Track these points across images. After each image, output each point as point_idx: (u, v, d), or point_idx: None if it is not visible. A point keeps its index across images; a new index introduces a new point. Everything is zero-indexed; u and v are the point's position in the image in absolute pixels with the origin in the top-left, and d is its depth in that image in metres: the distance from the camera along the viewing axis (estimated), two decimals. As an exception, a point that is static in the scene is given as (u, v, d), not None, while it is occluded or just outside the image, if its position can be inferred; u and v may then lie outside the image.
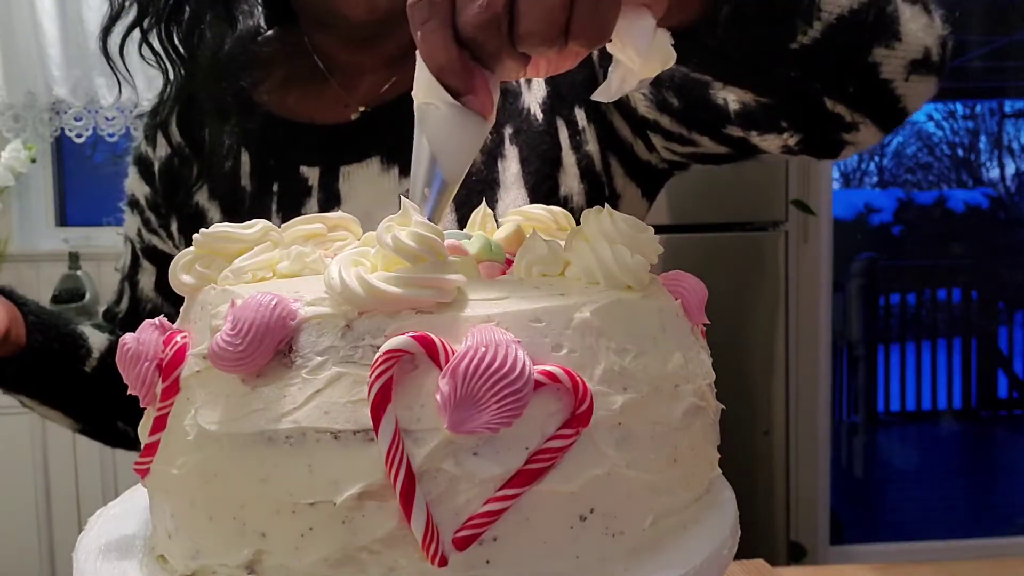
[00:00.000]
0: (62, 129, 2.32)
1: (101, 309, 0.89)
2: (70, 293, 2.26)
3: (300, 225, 0.48)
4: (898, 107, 0.58)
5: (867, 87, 0.56)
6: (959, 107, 3.71)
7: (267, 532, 0.35)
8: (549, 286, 0.39)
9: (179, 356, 0.38)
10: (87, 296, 2.28)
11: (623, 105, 0.73)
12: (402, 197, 0.39)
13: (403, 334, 0.34)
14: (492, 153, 0.74)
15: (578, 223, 0.44)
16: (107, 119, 2.31)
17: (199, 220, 0.79)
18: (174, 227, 0.82)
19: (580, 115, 0.75)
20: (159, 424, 0.39)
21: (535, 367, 0.34)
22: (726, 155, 0.71)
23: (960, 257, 3.58)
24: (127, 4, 0.77)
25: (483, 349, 0.33)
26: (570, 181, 0.75)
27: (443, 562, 0.33)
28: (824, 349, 2.27)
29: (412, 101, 0.43)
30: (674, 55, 0.44)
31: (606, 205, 0.43)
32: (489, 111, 0.41)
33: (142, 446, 0.40)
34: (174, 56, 0.78)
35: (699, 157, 0.75)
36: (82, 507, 1.85)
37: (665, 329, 0.40)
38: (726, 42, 0.50)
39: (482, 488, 0.34)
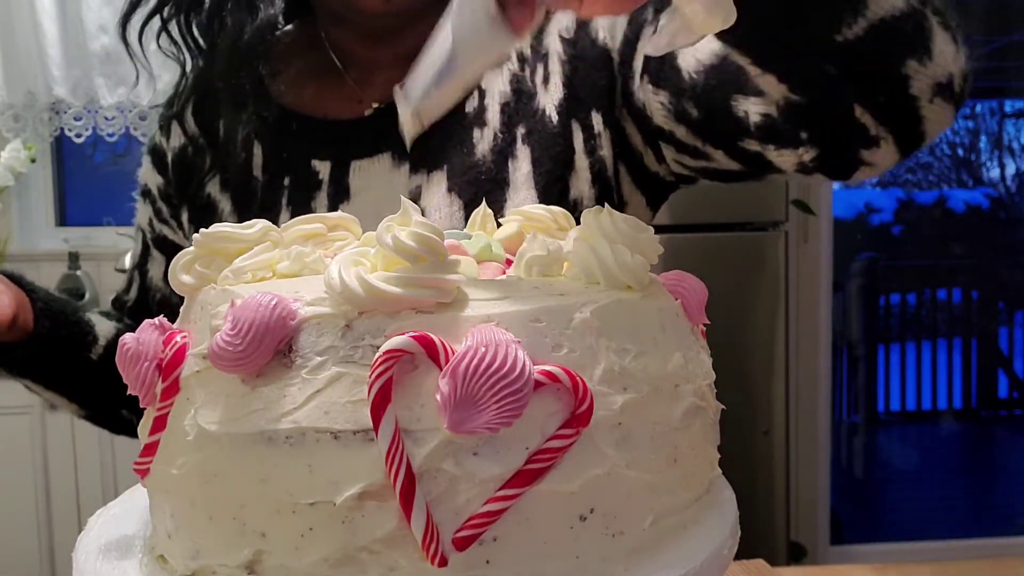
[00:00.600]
0: (62, 129, 2.32)
1: (100, 309, 0.89)
2: (70, 293, 2.26)
3: (300, 225, 0.48)
4: (919, 128, 0.59)
5: (896, 100, 0.57)
6: (959, 107, 3.71)
7: (267, 532, 0.35)
8: (549, 286, 0.39)
9: (179, 356, 0.38)
10: (87, 296, 2.28)
11: (638, 112, 0.73)
12: (402, 197, 0.39)
13: (403, 334, 0.34)
14: (503, 152, 0.74)
15: (578, 223, 0.44)
16: (107, 119, 2.31)
17: (210, 211, 0.79)
18: (185, 217, 0.82)
19: (597, 119, 0.75)
20: (159, 424, 0.39)
21: (535, 367, 0.34)
22: (737, 172, 0.71)
23: (960, 257, 3.58)
24: None
25: (483, 349, 0.33)
26: (581, 185, 0.75)
27: (443, 562, 0.33)
28: (824, 349, 2.27)
29: None
30: (735, 14, 0.43)
31: (606, 205, 0.43)
32: (523, 30, 0.41)
33: (142, 445, 0.40)
34: (193, 45, 0.79)
35: (709, 172, 0.74)
36: (82, 507, 1.85)
37: (665, 329, 0.40)
38: (775, 20, 0.51)
39: (482, 488, 0.34)
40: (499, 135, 0.74)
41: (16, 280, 0.72)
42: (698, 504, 0.42)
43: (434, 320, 0.35)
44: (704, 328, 0.46)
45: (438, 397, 0.33)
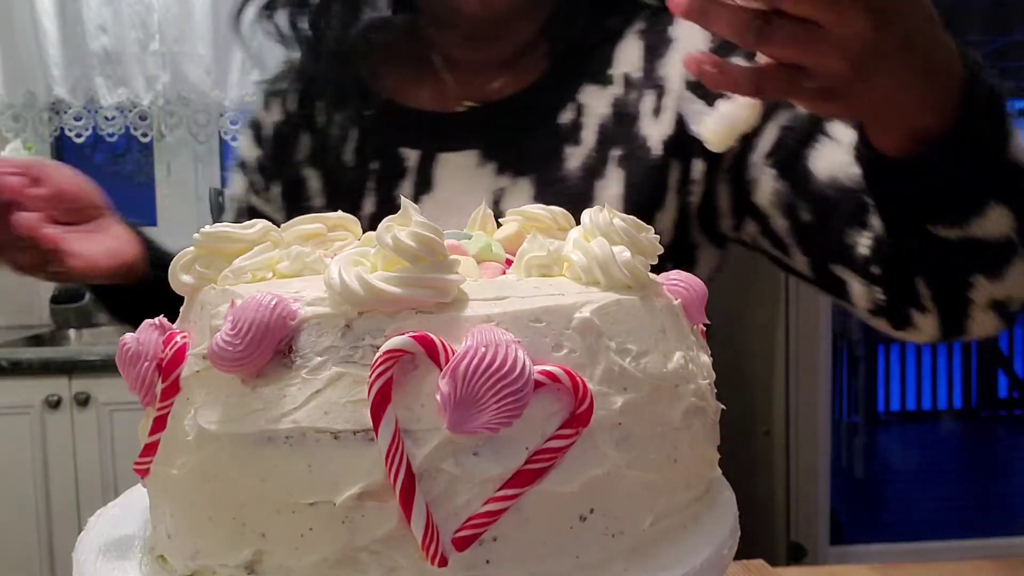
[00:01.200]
0: (62, 129, 2.32)
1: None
2: (70, 293, 2.26)
3: (300, 225, 0.48)
4: (965, 324, 0.61)
5: (954, 294, 0.60)
6: (959, 107, 3.70)
7: (267, 532, 0.35)
8: (549, 286, 0.39)
9: (179, 356, 0.38)
10: (87, 296, 2.27)
11: (743, 183, 0.72)
12: (403, 197, 0.39)
13: (403, 334, 0.34)
14: (593, 171, 0.74)
15: (578, 223, 0.44)
16: (107, 119, 2.31)
17: (301, 188, 0.82)
18: (276, 191, 0.85)
19: (697, 167, 0.74)
20: (159, 424, 0.39)
21: (535, 367, 0.34)
22: (803, 276, 0.71)
23: (960, 257, 3.56)
24: None
25: (483, 349, 0.33)
26: (665, 222, 0.74)
27: (443, 562, 0.33)
28: (824, 349, 2.27)
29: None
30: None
31: (606, 205, 0.43)
32: None
33: (142, 445, 0.40)
34: (299, 39, 0.82)
35: (773, 258, 0.74)
36: (82, 507, 1.85)
37: (665, 329, 0.40)
38: (908, 185, 0.53)
39: (482, 488, 0.34)
40: (592, 154, 0.74)
41: (136, 228, 0.79)
42: (698, 504, 0.42)
43: (434, 320, 0.35)
44: (704, 328, 0.46)
45: (438, 397, 0.33)
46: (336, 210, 0.74)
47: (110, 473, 1.86)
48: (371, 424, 0.33)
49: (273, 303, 0.35)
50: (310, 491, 0.34)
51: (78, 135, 2.32)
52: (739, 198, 0.74)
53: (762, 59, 0.46)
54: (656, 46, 0.76)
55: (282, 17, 0.81)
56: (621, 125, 0.74)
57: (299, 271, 0.42)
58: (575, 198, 0.72)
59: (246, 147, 0.89)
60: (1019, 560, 0.64)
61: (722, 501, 0.44)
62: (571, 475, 0.35)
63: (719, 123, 0.52)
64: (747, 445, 1.96)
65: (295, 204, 0.82)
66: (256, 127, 0.88)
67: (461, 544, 0.34)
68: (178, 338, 0.39)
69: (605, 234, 0.41)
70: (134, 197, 2.48)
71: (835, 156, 0.66)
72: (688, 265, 0.77)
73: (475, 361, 0.32)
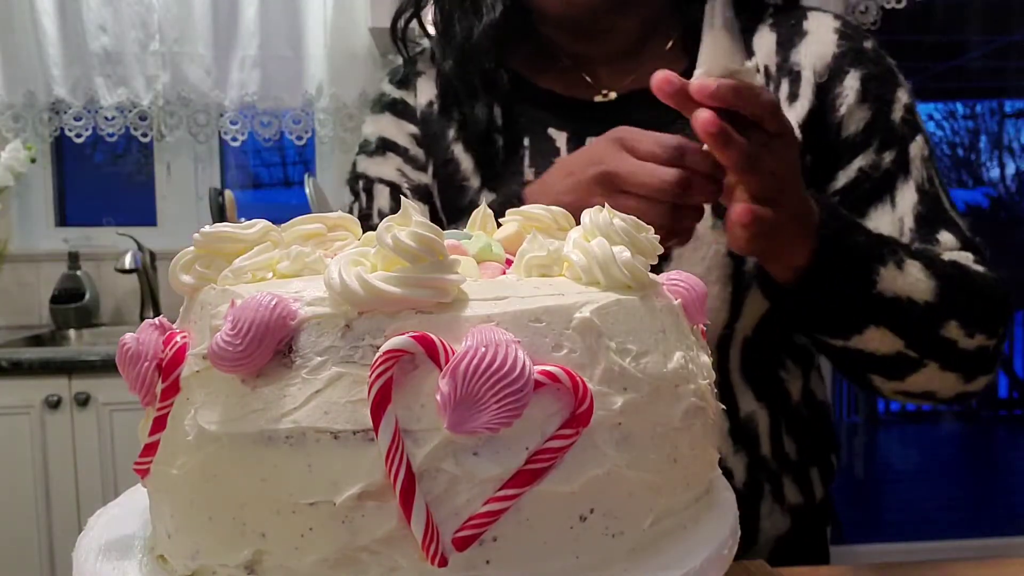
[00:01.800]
0: (62, 129, 2.32)
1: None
2: (70, 293, 2.26)
3: (300, 225, 0.48)
4: (879, 396, 0.76)
5: (861, 384, 0.74)
6: (959, 107, 3.71)
7: (267, 532, 0.35)
8: (549, 286, 0.39)
9: (179, 356, 0.38)
10: (87, 296, 2.28)
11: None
12: (403, 198, 0.39)
13: (403, 334, 0.34)
14: None
15: (578, 223, 0.44)
16: (107, 119, 2.31)
17: (453, 167, 0.83)
18: (431, 169, 0.86)
19: (806, 158, 0.77)
20: (159, 424, 0.39)
21: (535, 367, 0.34)
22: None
23: (960, 257, 3.57)
24: None
25: (483, 349, 0.33)
26: None
27: (443, 562, 0.33)
28: (824, 349, 2.26)
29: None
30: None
31: (606, 205, 0.43)
32: None
33: (142, 445, 0.40)
34: (434, 40, 0.86)
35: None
36: (82, 507, 1.85)
37: (665, 329, 0.40)
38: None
39: (482, 488, 0.34)
40: None
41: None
42: (698, 504, 0.42)
43: (434, 320, 0.35)
44: (704, 328, 0.46)
45: (438, 397, 0.33)
46: (494, 188, 0.81)
47: (110, 473, 1.86)
48: (371, 424, 0.33)
49: (273, 303, 0.35)
50: (310, 491, 0.34)
51: (78, 135, 2.32)
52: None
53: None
54: (789, 38, 0.80)
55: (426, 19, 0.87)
56: None
57: (299, 271, 0.42)
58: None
59: (389, 127, 0.88)
60: (1018, 560, 0.64)
61: (722, 501, 0.44)
62: (571, 475, 0.35)
63: None
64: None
65: (449, 184, 0.84)
66: (397, 106, 0.88)
67: (461, 544, 0.34)
68: (178, 338, 0.39)
69: (605, 234, 0.41)
70: (134, 197, 2.48)
71: (883, 223, 0.75)
72: None
73: (475, 361, 0.32)
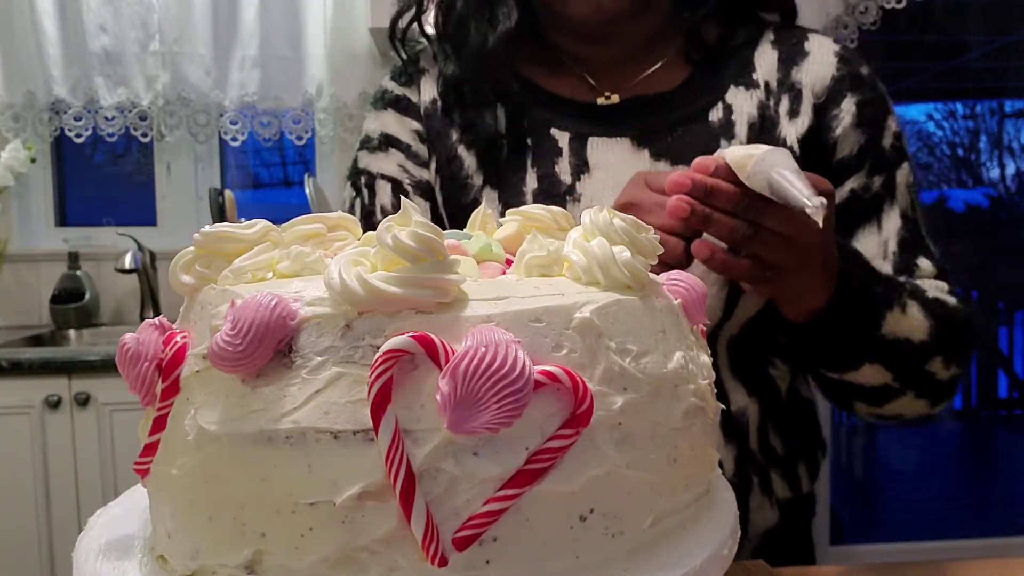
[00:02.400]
0: (62, 129, 2.32)
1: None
2: (70, 293, 2.26)
3: (300, 225, 0.48)
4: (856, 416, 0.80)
5: (841, 405, 0.78)
6: (959, 107, 3.71)
7: (267, 532, 0.35)
8: (549, 286, 0.39)
9: (179, 356, 0.38)
10: (87, 296, 2.27)
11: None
12: (402, 198, 0.39)
13: (403, 334, 0.34)
14: None
15: (578, 223, 0.44)
16: (107, 119, 2.31)
17: (457, 165, 0.84)
18: (433, 166, 0.86)
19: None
20: (159, 424, 0.39)
21: (535, 367, 0.34)
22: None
23: (960, 257, 3.58)
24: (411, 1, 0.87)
25: (483, 349, 0.33)
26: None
27: (443, 562, 0.33)
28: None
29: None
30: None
31: (606, 205, 0.43)
32: None
33: (142, 445, 0.40)
34: (442, 45, 0.86)
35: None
36: (82, 507, 1.85)
37: (665, 329, 0.40)
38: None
39: (482, 488, 0.34)
40: None
41: None
42: (698, 504, 0.42)
43: (434, 320, 0.35)
44: (704, 328, 0.46)
45: (438, 397, 0.33)
46: (496, 187, 0.81)
47: (110, 473, 1.86)
48: (371, 424, 0.33)
49: (273, 303, 0.35)
50: (310, 491, 0.34)
51: (78, 135, 2.31)
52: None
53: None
54: (791, 56, 0.82)
55: (428, 25, 0.87)
56: (764, 127, 0.79)
57: (299, 271, 0.42)
58: None
59: (392, 123, 0.88)
60: (1018, 560, 0.64)
61: (722, 501, 0.44)
62: (571, 475, 0.35)
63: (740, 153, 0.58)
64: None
65: (452, 181, 0.84)
66: (400, 103, 0.89)
67: (461, 544, 0.34)
68: (178, 338, 0.39)
69: (605, 234, 0.41)
70: (134, 197, 2.48)
71: (869, 244, 0.78)
72: None
73: (475, 361, 0.32)
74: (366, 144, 0.89)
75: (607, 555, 0.36)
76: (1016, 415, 3.97)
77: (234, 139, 2.37)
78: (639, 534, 0.37)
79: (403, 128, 0.88)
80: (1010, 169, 3.72)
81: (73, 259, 2.29)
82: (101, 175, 2.60)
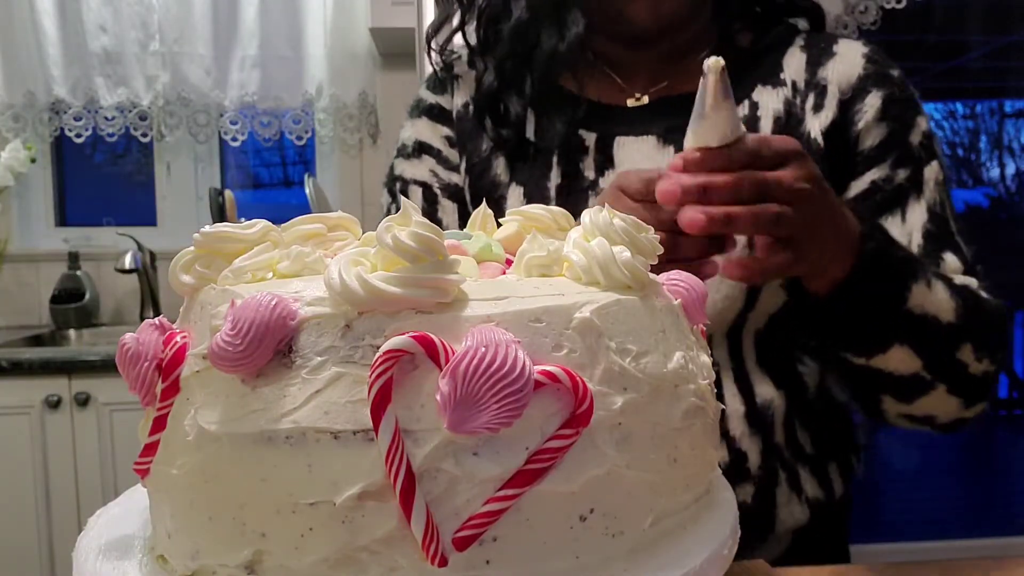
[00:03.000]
0: (62, 129, 2.32)
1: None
2: (70, 293, 2.26)
3: (300, 225, 0.48)
4: (883, 422, 0.78)
5: (868, 405, 0.77)
6: (959, 107, 3.71)
7: (267, 532, 0.35)
8: (549, 286, 0.39)
9: (179, 356, 0.38)
10: (87, 296, 2.28)
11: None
12: (402, 197, 0.39)
13: (403, 334, 0.34)
14: None
15: (578, 222, 0.44)
16: (107, 119, 2.31)
17: (485, 167, 0.86)
18: (463, 167, 0.88)
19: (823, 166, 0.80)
20: (159, 424, 0.39)
21: (535, 367, 0.34)
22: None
23: (960, 257, 3.57)
24: (455, 9, 0.89)
25: (483, 349, 0.33)
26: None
27: (443, 562, 0.33)
28: (824, 349, 2.26)
29: (689, 98, 0.59)
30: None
31: (606, 205, 0.43)
32: None
33: (142, 445, 0.40)
34: (488, 53, 0.88)
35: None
36: (82, 507, 1.85)
37: (665, 329, 0.40)
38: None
39: (482, 488, 0.34)
40: None
41: None
42: (698, 504, 0.42)
43: (434, 320, 0.35)
44: (704, 328, 0.46)
45: (438, 397, 0.33)
46: (523, 184, 0.83)
47: (110, 473, 1.86)
48: (371, 424, 0.33)
49: (273, 303, 0.35)
50: (310, 491, 0.34)
51: (78, 135, 2.32)
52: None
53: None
54: (819, 57, 0.83)
55: (471, 35, 0.89)
56: (789, 124, 0.80)
57: (299, 271, 0.42)
58: None
59: (425, 131, 0.91)
60: (1018, 560, 0.64)
61: (722, 501, 0.44)
62: (571, 475, 0.35)
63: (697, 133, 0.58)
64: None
65: (480, 180, 0.86)
66: (433, 111, 0.91)
67: (461, 544, 0.34)
68: (178, 338, 0.39)
69: (605, 234, 0.41)
70: (134, 197, 2.48)
71: (891, 233, 0.75)
72: None
73: (475, 361, 0.32)
74: (401, 152, 0.92)
75: (607, 555, 0.36)
76: (1016, 415, 3.97)
77: (234, 139, 2.38)
78: (639, 534, 0.37)
79: (435, 134, 0.90)
80: (1010, 169, 3.72)
81: (73, 259, 2.29)
82: (101, 175, 2.60)
